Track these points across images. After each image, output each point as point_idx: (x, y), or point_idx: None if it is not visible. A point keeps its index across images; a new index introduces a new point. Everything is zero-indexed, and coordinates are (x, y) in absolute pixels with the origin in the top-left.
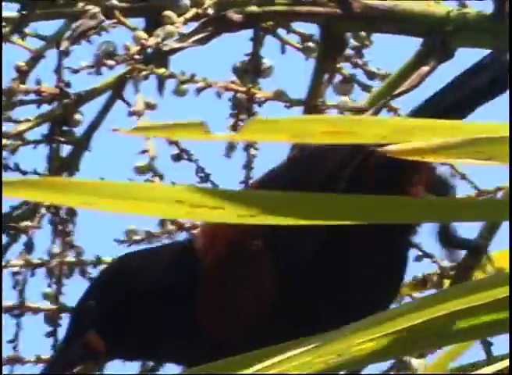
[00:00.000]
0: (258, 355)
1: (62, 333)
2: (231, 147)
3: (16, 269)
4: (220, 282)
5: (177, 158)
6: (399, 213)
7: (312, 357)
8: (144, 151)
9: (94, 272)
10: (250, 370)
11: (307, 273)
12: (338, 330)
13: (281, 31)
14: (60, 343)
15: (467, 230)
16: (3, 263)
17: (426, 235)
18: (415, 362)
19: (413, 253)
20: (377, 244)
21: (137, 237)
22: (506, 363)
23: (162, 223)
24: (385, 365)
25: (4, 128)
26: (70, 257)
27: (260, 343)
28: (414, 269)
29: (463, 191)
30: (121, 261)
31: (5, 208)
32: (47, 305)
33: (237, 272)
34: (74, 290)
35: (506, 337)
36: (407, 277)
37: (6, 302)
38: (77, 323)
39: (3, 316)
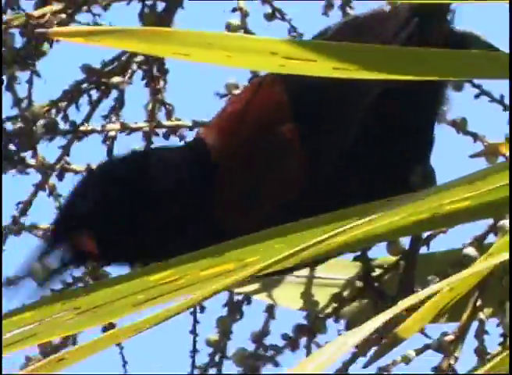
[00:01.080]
0: (345, 214)
1: None
2: (329, 5)
3: (112, 133)
4: (243, 172)
5: (270, 16)
6: None
7: (402, 216)
8: (236, 9)
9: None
10: (338, 229)
11: (341, 157)
12: (430, 188)
13: None
14: (44, 245)
15: None
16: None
17: None
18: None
19: None
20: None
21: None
22: None
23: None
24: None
25: None
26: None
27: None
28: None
29: None
30: (123, 159)
31: (96, 64)
32: None
33: (262, 161)
34: None
35: None
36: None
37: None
38: (64, 221)
39: None
